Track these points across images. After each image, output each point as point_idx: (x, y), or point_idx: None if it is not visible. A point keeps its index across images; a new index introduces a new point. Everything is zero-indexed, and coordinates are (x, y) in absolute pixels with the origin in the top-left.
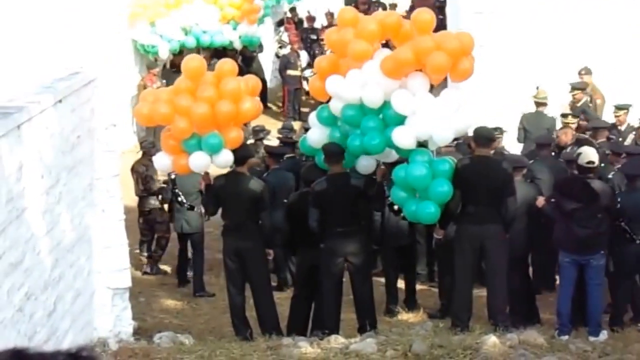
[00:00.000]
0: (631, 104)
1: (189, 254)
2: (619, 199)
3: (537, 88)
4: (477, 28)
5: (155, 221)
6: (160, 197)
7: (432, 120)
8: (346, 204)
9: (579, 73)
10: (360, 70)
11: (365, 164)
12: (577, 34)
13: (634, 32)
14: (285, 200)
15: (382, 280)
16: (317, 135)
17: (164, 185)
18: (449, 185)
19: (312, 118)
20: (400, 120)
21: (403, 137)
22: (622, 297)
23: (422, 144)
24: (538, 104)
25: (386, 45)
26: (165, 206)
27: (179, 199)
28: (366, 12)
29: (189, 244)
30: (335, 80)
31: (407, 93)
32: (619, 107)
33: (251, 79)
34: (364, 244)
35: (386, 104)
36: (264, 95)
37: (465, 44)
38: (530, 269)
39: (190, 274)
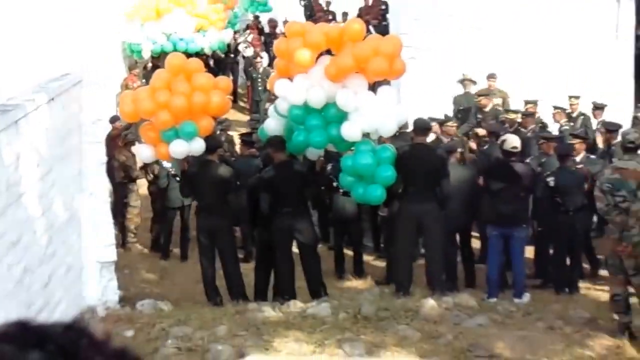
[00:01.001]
0: (538, 99)
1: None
2: (552, 178)
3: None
4: (415, 32)
5: (129, 204)
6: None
7: (376, 114)
8: (292, 187)
9: (487, 78)
10: (305, 75)
11: (313, 152)
12: (492, 38)
13: (538, 39)
14: None
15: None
16: (273, 124)
17: (139, 173)
18: (392, 170)
19: (270, 110)
20: (340, 118)
21: (350, 131)
22: (559, 262)
23: (365, 135)
24: (466, 85)
25: (329, 52)
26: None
27: (177, 178)
28: (327, 20)
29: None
30: (283, 83)
31: (350, 92)
32: (527, 102)
33: (223, 80)
34: (309, 222)
35: (328, 105)
36: (234, 92)
37: (396, 47)
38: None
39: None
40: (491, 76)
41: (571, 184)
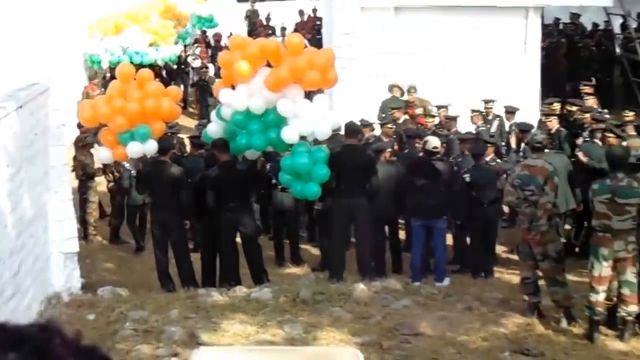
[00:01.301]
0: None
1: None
2: (468, 174)
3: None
4: (345, 45)
5: (88, 200)
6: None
7: (312, 120)
8: (235, 184)
9: (408, 91)
10: (247, 85)
11: (252, 152)
12: (415, 51)
13: (456, 53)
14: None
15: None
16: (215, 128)
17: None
18: (326, 169)
19: (212, 115)
20: (278, 122)
21: (289, 135)
22: (475, 249)
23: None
24: (394, 91)
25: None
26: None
27: None
28: (267, 35)
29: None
30: (227, 91)
31: (289, 101)
32: (438, 106)
33: (173, 89)
34: (251, 215)
35: (267, 111)
36: (184, 99)
37: (329, 59)
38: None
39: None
40: (411, 88)
41: (484, 180)
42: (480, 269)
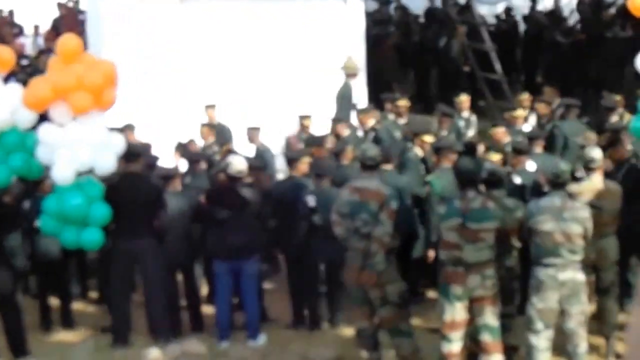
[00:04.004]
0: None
1: None
2: (313, 198)
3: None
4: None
5: None
6: None
7: (90, 149)
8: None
9: (206, 109)
10: None
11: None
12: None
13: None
14: None
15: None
16: None
17: None
18: (106, 207)
19: None
20: (23, 142)
21: (62, 174)
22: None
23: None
24: (347, 75)
25: None
26: None
27: None
28: (14, 35)
29: None
30: None
31: (54, 126)
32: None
33: None
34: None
35: (4, 132)
36: None
37: (108, 76)
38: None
39: None
40: (210, 107)
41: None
42: (311, 319)
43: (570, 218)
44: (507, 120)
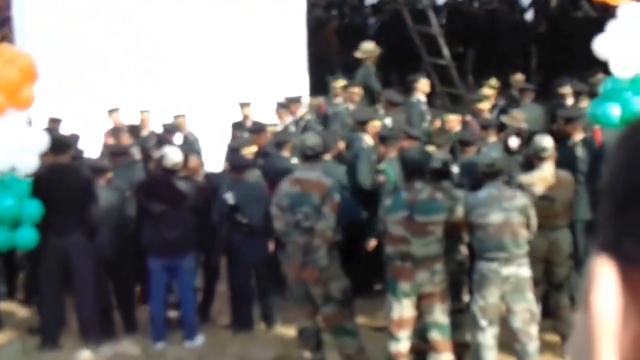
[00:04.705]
0: None
1: None
2: (233, 193)
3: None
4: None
5: None
6: None
7: (8, 148)
8: None
9: (109, 113)
10: None
11: None
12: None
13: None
14: None
15: None
16: None
17: None
18: (37, 202)
19: None
20: None
21: None
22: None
23: None
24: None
25: None
26: None
27: None
28: None
29: None
30: None
31: None
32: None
33: None
34: None
35: None
36: None
37: (26, 73)
38: None
39: None
40: (113, 111)
41: (251, 201)
42: (244, 319)
43: (510, 207)
44: (473, 111)
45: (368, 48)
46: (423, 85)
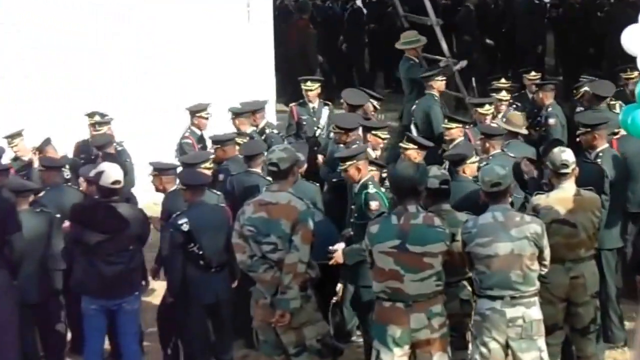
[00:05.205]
0: None
1: None
2: (187, 218)
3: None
4: None
5: None
6: None
7: None
8: None
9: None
10: None
11: None
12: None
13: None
14: None
15: None
16: None
17: None
18: None
19: None
20: None
21: None
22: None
23: None
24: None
25: None
26: None
27: None
28: None
29: None
30: None
31: None
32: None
33: None
34: None
35: None
36: None
37: None
38: None
39: None
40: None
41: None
42: None
43: (520, 236)
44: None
45: (411, 37)
46: (439, 85)
